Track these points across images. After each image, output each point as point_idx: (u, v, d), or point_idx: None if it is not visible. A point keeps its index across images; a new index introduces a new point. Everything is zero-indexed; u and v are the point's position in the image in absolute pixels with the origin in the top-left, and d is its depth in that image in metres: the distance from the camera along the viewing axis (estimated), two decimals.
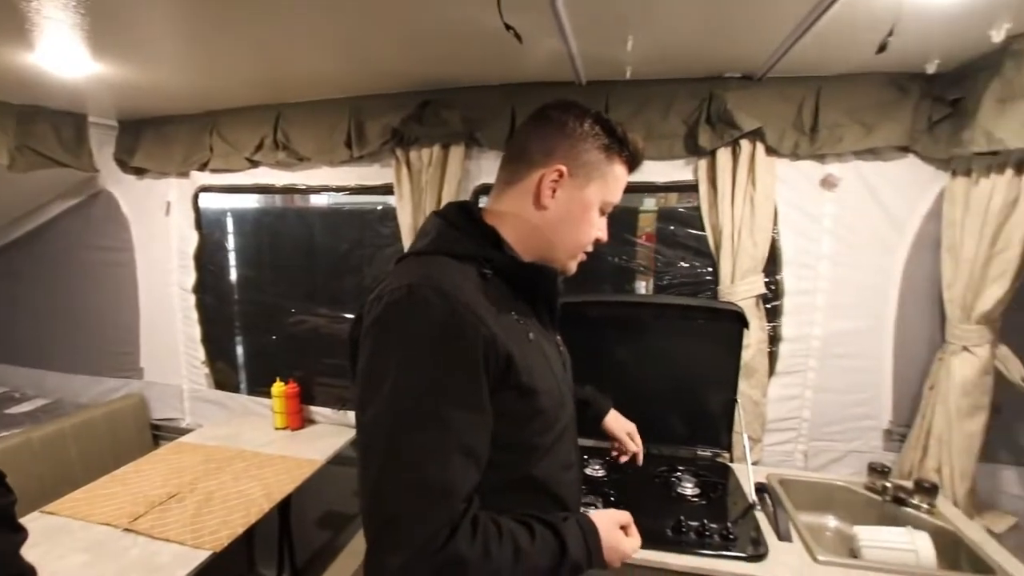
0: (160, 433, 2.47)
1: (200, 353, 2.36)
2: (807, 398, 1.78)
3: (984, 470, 1.64)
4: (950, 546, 1.35)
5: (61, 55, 1.46)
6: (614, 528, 0.84)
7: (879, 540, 1.35)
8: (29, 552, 0.84)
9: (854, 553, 1.35)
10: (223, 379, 2.43)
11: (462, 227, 0.83)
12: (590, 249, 0.91)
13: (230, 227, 2.41)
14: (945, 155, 1.52)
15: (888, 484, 1.51)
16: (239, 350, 2.50)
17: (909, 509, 1.47)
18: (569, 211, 0.85)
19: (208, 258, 2.35)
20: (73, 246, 2.50)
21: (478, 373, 0.70)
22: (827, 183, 1.64)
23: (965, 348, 1.52)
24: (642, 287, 1.99)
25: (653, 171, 1.75)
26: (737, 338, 1.65)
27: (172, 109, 2.13)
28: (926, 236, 1.62)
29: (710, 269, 1.81)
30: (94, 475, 1.78)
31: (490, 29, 1.15)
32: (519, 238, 0.84)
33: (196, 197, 2.27)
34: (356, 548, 2.33)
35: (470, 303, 0.71)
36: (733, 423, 1.71)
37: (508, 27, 1.13)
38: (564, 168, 0.82)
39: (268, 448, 2.03)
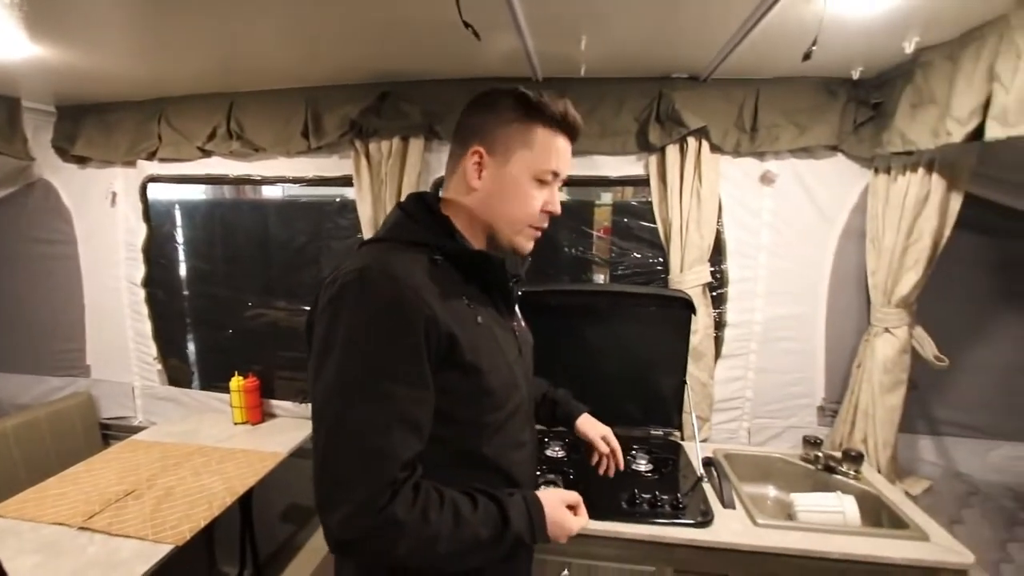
0: (110, 433, 2.38)
1: (152, 349, 2.29)
2: (750, 379, 1.91)
3: (903, 440, 1.82)
4: (873, 507, 1.50)
5: None
6: (560, 506, 0.88)
7: (812, 505, 1.48)
8: None
9: (791, 517, 1.48)
10: (177, 375, 2.37)
11: (417, 217, 0.89)
12: (543, 224, 0.91)
13: (181, 219, 2.34)
14: (868, 154, 1.67)
15: (820, 454, 1.66)
16: (193, 345, 2.44)
17: (838, 476, 1.62)
18: (499, 189, 0.87)
19: (158, 251, 2.28)
20: (8, 238, 2.36)
21: (419, 350, 0.75)
22: (766, 179, 1.77)
23: (887, 330, 1.68)
24: (600, 278, 2.08)
25: (607, 166, 1.84)
26: (686, 324, 1.76)
27: (117, 95, 2.04)
28: (853, 228, 1.77)
29: (661, 259, 1.91)
30: (39, 478, 1.72)
31: (448, 24, 1.18)
32: (466, 223, 0.89)
33: (144, 187, 2.18)
34: (318, 544, 2.33)
35: (415, 286, 0.77)
36: (683, 404, 1.82)
37: (467, 24, 1.17)
38: (482, 148, 0.86)
39: (228, 443, 2.00)
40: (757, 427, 1.94)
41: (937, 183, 1.49)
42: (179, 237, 2.35)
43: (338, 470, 0.73)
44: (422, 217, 0.88)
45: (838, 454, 1.66)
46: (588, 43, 1.42)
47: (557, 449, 1.71)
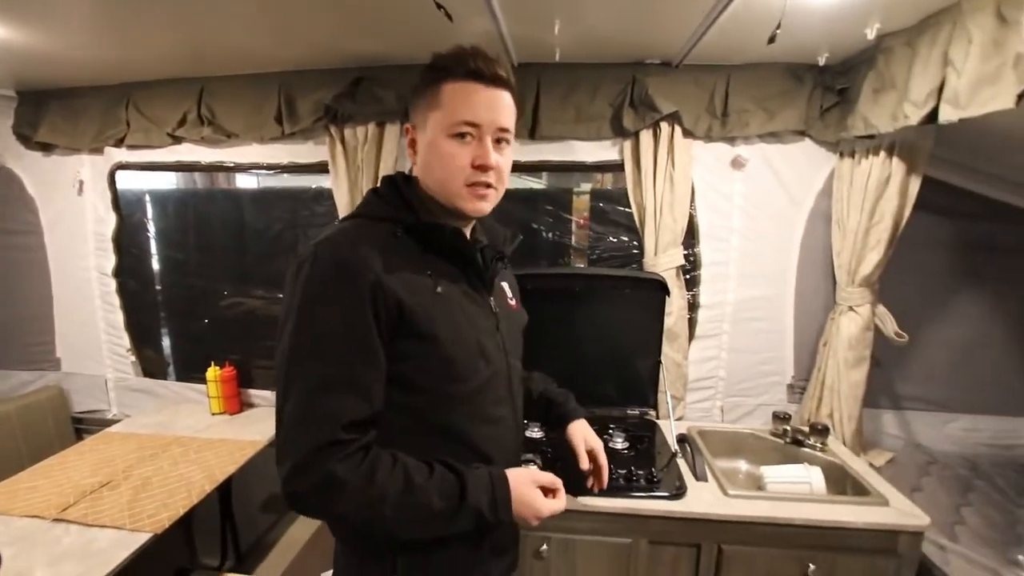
0: (83, 426, 2.34)
1: (125, 340, 2.25)
2: (723, 359, 1.97)
3: (868, 415, 1.90)
4: (838, 477, 1.57)
5: None
6: (530, 486, 0.87)
7: (780, 476, 1.54)
8: None
9: (761, 489, 1.54)
10: (152, 367, 2.33)
11: (385, 195, 0.92)
12: (479, 179, 0.86)
13: (154, 208, 2.29)
14: (834, 138, 1.73)
15: (788, 428, 1.72)
16: (168, 336, 2.40)
17: (806, 449, 1.69)
18: (427, 155, 0.87)
19: (129, 240, 2.24)
20: None
21: (365, 316, 0.78)
22: (736, 164, 1.81)
23: (851, 308, 1.75)
24: (578, 264, 2.10)
25: (583, 151, 1.86)
26: (660, 306, 1.80)
27: (81, 79, 1.99)
28: (819, 211, 1.83)
29: (636, 243, 1.95)
30: (9, 474, 1.68)
31: (420, 6, 1.18)
32: (427, 196, 0.91)
33: (112, 175, 2.13)
34: (298, 534, 2.33)
35: (363, 255, 0.80)
36: (659, 384, 1.87)
37: (439, 6, 1.17)
38: (409, 125, 0.91)
39: (206, 433, 1.99)
40: (730, 405, 2.00)
41: (897, 166, 1.55)
42: (151, 226, 2.30)
43: (286, 429, 0.78)
44: (390, 195, 0.92)
45: (805, 428, 1.72)
46: (561, 27, 1.43)
47: (535, 429, 1.74)
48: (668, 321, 1.85)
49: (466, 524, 0.82)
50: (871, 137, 1.56)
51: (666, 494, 1.39)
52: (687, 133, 1.76)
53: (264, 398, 2.23)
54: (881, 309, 1.75)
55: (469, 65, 0.83)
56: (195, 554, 2.25)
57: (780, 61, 1.70)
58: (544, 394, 1.18)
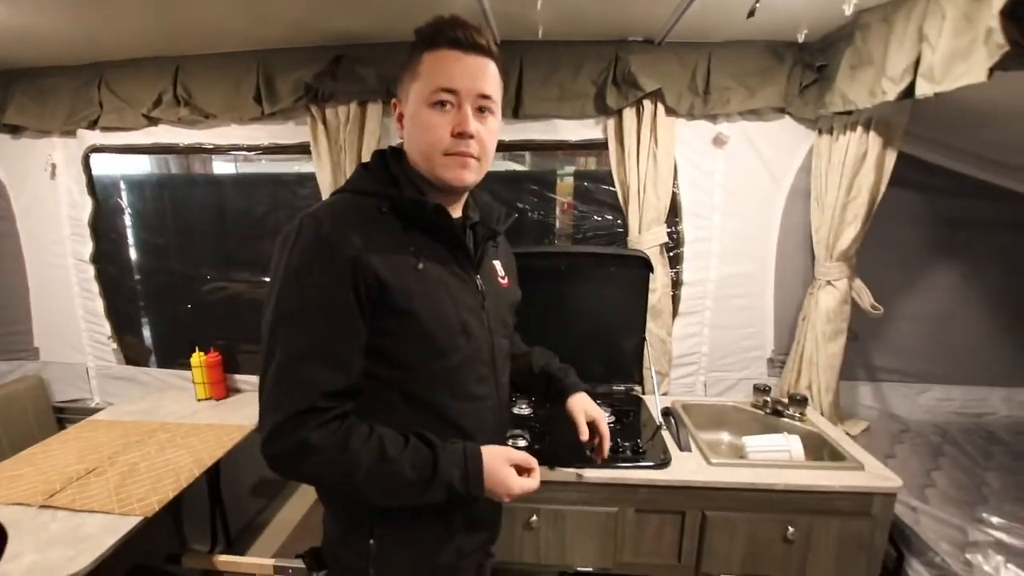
0: (65, 416, 2.30)
1: (105, 328, 2.21)
2: (705, 335, 2.01)
3: (845, 387, 1.96)
4: (816, 445, 1.63)
5: None
6: (503, 464, 0.89)
7: (761, 445, 1.59)
8: None
9: (743, 458, 1.59)
10: (134, 354, 2.30)
11: (374, 170, 0.92)
12: (459, 149, 0.85)
13: (132, 192, 2.24)
14: (813, 115, 1.75)
15: (768, 400, 1.78)
16: (150, 322, 2.36)
17: (785, 419, 1.74)
18: (410, 127, 0.88)
19: (107, 225, 2.19)
20: None
21: (344, 289, 0.80)
22: (718, 141, 1.83)
23: (829, 282, 1.79)
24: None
25: (566, 130, 1.86)
26: (644, 283, 1.83)
27: (50, 59, 1.92)
28: (799, 188, 1.86)
29: (620, 222, 1.96)
30: None
31: None
32: (414, 171, 0.90)
33: (87, 158, 2.08)
34: (288, 516, 2.34)
35: (344, 230, 0.81)
36: (644, 360, 1.90)
37: None
38: (395, 99, 0.92)
39: (192, 418, 1.98)
40: (713, 380, 2.05)
41: (874, 141, 1.58)
42: (129, 210, 2.25)
43: (266, 395, 0.81)
44: (378, 170, 0.92)
45: (785, 399, 1.77)
46: (544, 3, 1.42)
47: (523, 407, 1.77)
48: (652, 298, 1.88)
49: (438, 495, 0.84)
50: (848, 113, 1.59)
51: (651, 464, 1.43)
52: (670, 111, 1.77)
53: (250, 383, 2.22)
54: (858, 283, 1.80)
55: (448, 33, 0.83)
56: (184, 540, 2.25)
57: (760, 39, 1.71)
58: (544, 369, 1.19)
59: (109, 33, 1.69)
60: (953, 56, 1.13)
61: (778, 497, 1.39)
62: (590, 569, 1.48)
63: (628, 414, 1.73)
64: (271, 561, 1.66)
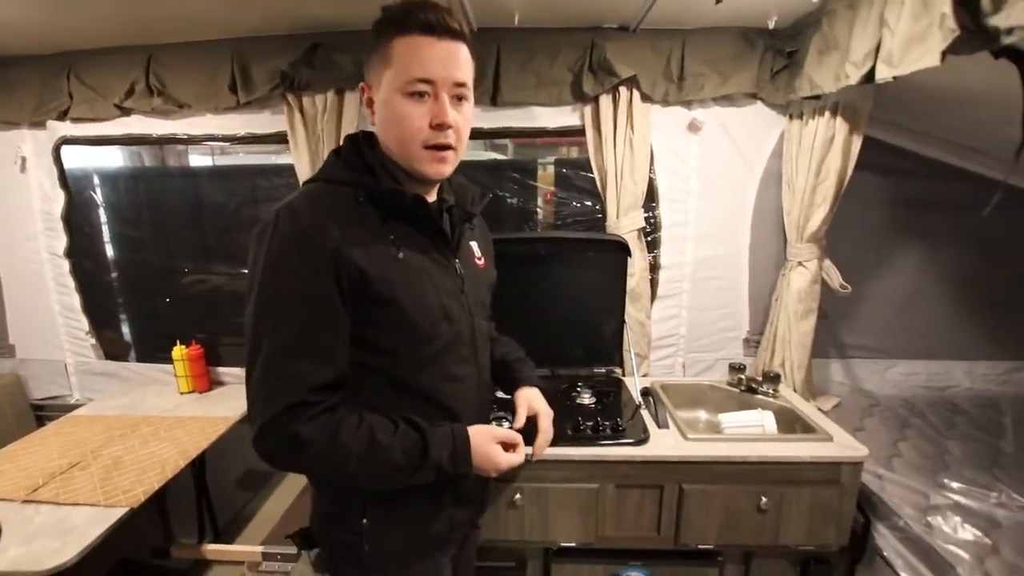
0: (45, 413, 2.27)
1: (83, 323, 2.18)
2: (683, 317, 2.06)
3: (817, 364, 2.04)
4: (789, 419, 1.69)
5: None
6: (489, 442, 0.93)
7: (736, 421, 1.65)
8: None
9: (719, 434, 1.65)
10: (114, 349, 2.28)
11: (347, 157, 0.92)
12: (438, 140, 0.85)
13: (106, 184, 2.20)
14: (783, 101, 1.80)
15: (743, 378, 1.83)
16: (129, 316, 2.34)
17: (759, 396, 1.80)
18: (383, 116, 0.86)
19: (81, 219, 2.15)
20: None
21: (327, 282, 0.81)
22: (693, 127, 1.87)
23: (800, 263, 1.85)
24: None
25: (544, 117, 1.88)
26: (623, 267, 1.86)
27: (13, 48, 1.87)
28: (771, 172, 1.91)
29: (599, 208, 1.99)
30: None
31: None
32: (388, 159, 0.91)
33: (58, 150, 2.04)
34: (273, 508, 2.35)
35: (323, 222, 0.81)
36: (623, 343, 1.95)
37: None
38: (364, 84, 0.90)
39: (176, 411, 1.97)
40: (691, 361, 2.10)
41: (841, 125, 1.63)
42: (104, 203, 2.21)
43: (254, 390, 0.82)
44: (351, 157, 0.91)
45: (759, 377, 1.83)
46: None
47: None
48: (631, 282, 1.92)
49: (428, 476, 0.88)
50: (817, 98, 1.63)
51: (631, 441, 1.47)
52: (645, 97, 1.80)
53: (234, 375, 2.21)
54: (827, 263, 1.86)
55: (419, 17, 0.80)
56: (171, 534, 2.25)
57: (732, 25, 1.75)
58: (503, 358, 1.18)
59: (77, 21, 1.65)
60: (910, 41, 1.17)
61: (751, 469, 1.45)
62: (573, 544, 1.53)
63: (609, 395, 1.78)
64: (259, 548, 1.68)
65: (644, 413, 1.66)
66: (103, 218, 2.22)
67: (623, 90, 1.77)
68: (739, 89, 1.80)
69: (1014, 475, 1.56)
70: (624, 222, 1.88)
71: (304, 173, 1.90)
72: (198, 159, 2.28)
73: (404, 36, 0.82)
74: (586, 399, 1.73)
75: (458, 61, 0.84)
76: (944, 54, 1.06)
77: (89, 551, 1.24)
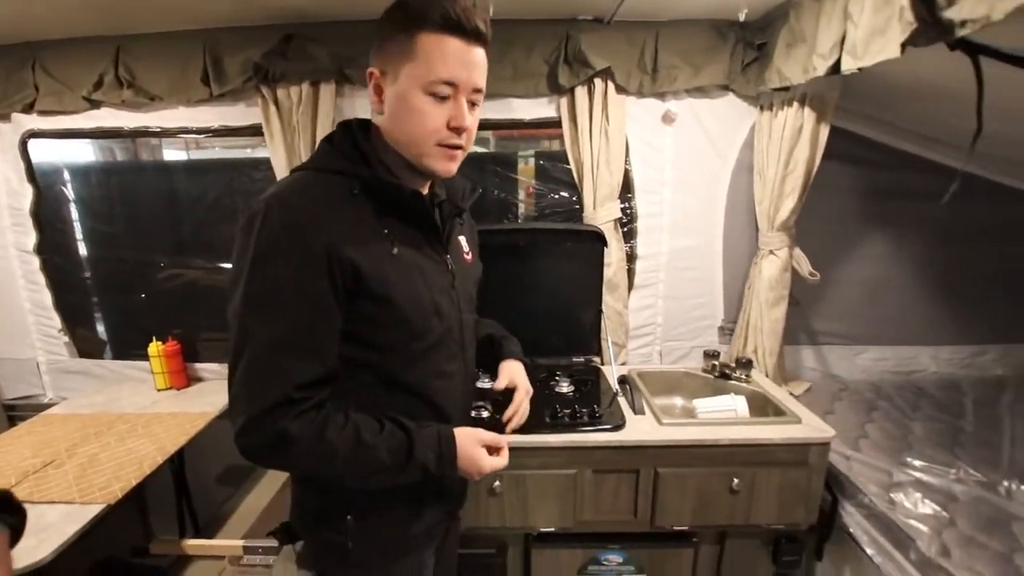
0: (16, 413, 2.23)
1: (55, 321, 2.14)
2: (659, 306, 2.10)
3: (788, 351, 2.09)
4: (761, 404, 1.74)
5: None
6: (475, 445, 0.92)
7: (710, 406, 1.70)
8: None
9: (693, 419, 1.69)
10: (88, 346, 2.24)
11: (340, 145, 0.89)
12: (453, 141, 0.84)
13: (76, 178, 2.15)
14: (754, 92, 1.84)
15: (716, 364, 1.88)
16: (103, 313, 2.30)
17: (733, 381, 1.85)
18: (397, 108, 0.83)
19: (51, 214, 2.10)
20: None
21: (318, 277, 0.79)
22: (667, 118, 1.90)
23: (771, 252, 1.90)
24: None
25: (521, 109, 1.89)
26: (599, 257, 1.89)
27: None
28: (743, 163, 1.95)
29: (576, 199, 2.02)
30: None
31: None
32: (386, 148, 0.89)
33: (24, 144, 1.99)
34: (254, 504, 2.35)
35: (316, 215, 0.79)
36: (601, 332, 1.98)
37: None
38: (375, 69, 0.84)
39: (153, 408, 1.95)
40: (667, 349, 2.15)
41: (808, 116, 1.67)
42: (75, 197, 2.17)
43: (238, 385, 0.80)
44: (345, 146, 0.88)
45: (732, 363, 1.88)
46: None
47: (486, 380, 1.82)
48: (608, 272, 1.95)
49: (414, 477, 0.88)
50: (786, 89, 1.67)
51: (608, 427, 1.51)
52: (620, 89, 1.82)
53: (212, 371, 2.20)
54: (797, 252, 1.91)
55: (448, 13, 0.78)
56: (151, 532, 2.23)
57: (705, 18, 1.77)
58: (489, 336, 1.19)
59: (41, 10, 1.61)
60: (873, 33, 1.21)
61: (724, 452, 1.49)
62: (552, 529, 1.56)
63: (587, 383, 1.81)
64: (240, 542, 1.68)
65: (621, 400, 1.69)
66: (75, 213, 2.18)
67: (598, 82, 1.79)
68: (711, 81, 1.83)
69: (972, 452, 1.63)
70: (601, 212, 1.90)
71: (280, 166, 1.88)
72: (173, 154, 2.24)
73: (433, 33, 0.79)
74: (564, 387, 1.76)
75: (482, 68, 0.84)
76: (904, 46, 1.09)
77: (66, 548, 1.23)
